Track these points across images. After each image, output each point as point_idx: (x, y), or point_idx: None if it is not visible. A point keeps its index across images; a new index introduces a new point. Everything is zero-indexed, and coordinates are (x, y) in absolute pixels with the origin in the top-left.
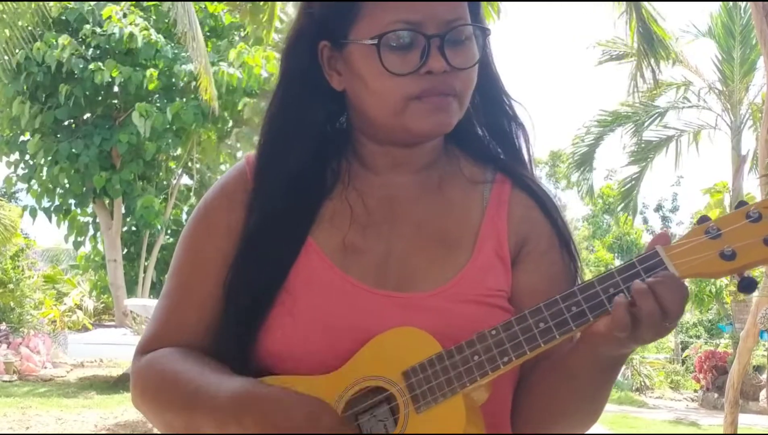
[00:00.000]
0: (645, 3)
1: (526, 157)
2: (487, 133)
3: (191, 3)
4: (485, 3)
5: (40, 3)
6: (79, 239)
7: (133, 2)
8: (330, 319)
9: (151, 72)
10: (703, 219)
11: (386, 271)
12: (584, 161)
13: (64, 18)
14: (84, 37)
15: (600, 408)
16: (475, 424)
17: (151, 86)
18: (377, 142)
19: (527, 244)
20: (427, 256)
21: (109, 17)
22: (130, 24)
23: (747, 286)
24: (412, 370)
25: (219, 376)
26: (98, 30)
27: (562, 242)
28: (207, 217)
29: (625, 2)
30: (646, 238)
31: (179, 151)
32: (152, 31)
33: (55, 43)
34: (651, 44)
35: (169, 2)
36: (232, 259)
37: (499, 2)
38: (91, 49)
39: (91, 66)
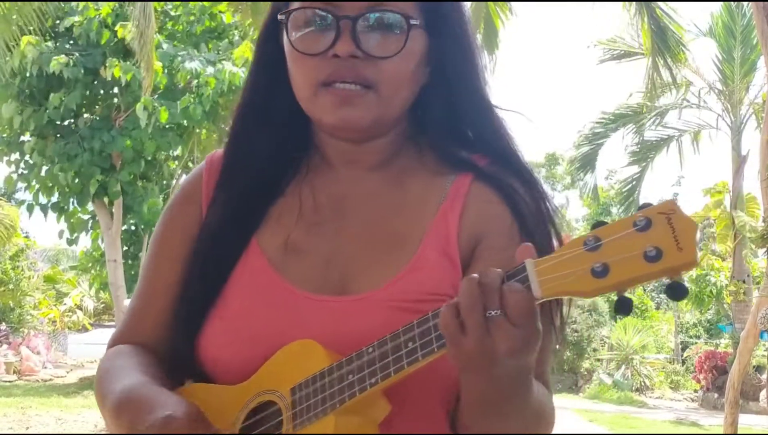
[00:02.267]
0: (654, 2)
1: (512, 149)
2: (471, 131)
3: (150, 3)
4: (493, 3)
5: (40, 4)
6: (74, 236)
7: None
8: (255, 325)
9: (157, 68)
10: (597, 225)
11: (327, 273)
12: (587, 162)
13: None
14: (69, 34)
15: (531, 424)
16: None
17: (162, 82)
18: (325, 133)
19: (483, 240)
20: (370, 256)
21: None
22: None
23: (620, 307)
24: (299, 385)
25: (126, 375)
26: (76, 20)
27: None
28: (166, 218)
29: (630, 2)
30: None
31: (179, 151)
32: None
33: (25, 44)
34: (665, 42)
35: (130, 1)
36: (183, 260)
37: (507, 2)
38: (77, 47)
39: (58, 58)
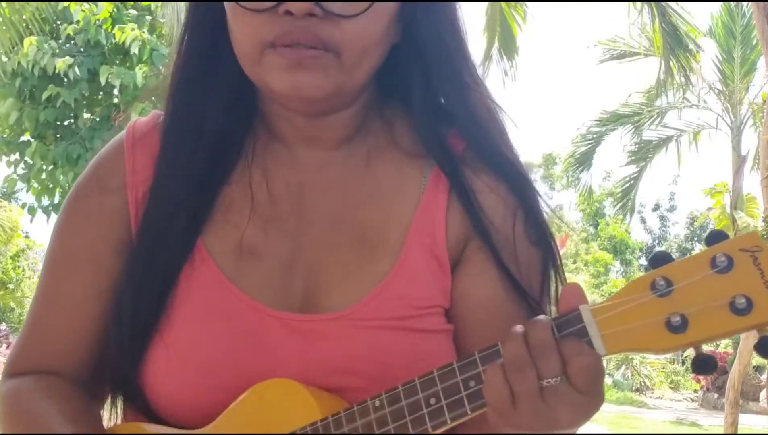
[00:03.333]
0: (666, 3)
1: (500, 133)
2: (448, 102)
3: (181, 3)
4: (507, 5)
5: (40, 4)
6: None
7: (121, 2)
8: (207, 350)
9: (144, 69)
10: (656, 260)
11: (289, 283)
12: (583, 161)
13: (41, 17)
14: (69, 35)
15: None
16: None
17: (149, 82)
18: (276, 105)
19: (473, 239)
20: (341, 261)
21: (79, 10)
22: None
23: (702, 367)
24: None
25: (62, 424)
26: (75, 25)
27: (530, 240)
28: (75, 207)
29: (638, 2)
30: (635, 237)
31: None
32: (145, 31)
33: (28, 45)
34: (679, 43)
35: (158, 2)
36: (104, 257)
37: (521, 2)
38: (75, 48)
39: (62, 60)
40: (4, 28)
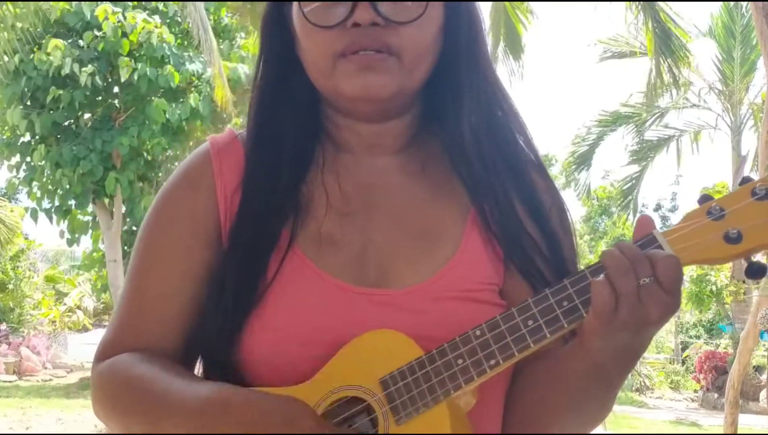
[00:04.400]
0: (661, 3)
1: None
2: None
3: (201, 3)
4: (510, 5)
5: (40, 4)
6: (75, 236)
7: (138, 2)
8: (301, 321)
9: (169, 68)
10: (705, 198)
11: (364, 266)
12: (583, 161)
13: (64, 21)
14: (87, 42)
15: (599, 417)
16: (462, 432)
17: (176, 80)
18: (343, 117)
19: None
20: (408, 249)
21: (106, 18)
22: (134, 21)
23: (756, 271)
24: (391, 377)
25: (187, 381)
26: (98, 33)
27: (563, 227)
28: (167, 207)
29: (634, 2)
30: None
31: (179, 151)
32: (165, 29)
33: (52, 48)
34: (668, 45)
35: (179, 2)
36: (196, 249)
37: (526, 1)
38: (89, 52)
39: (85, 69)
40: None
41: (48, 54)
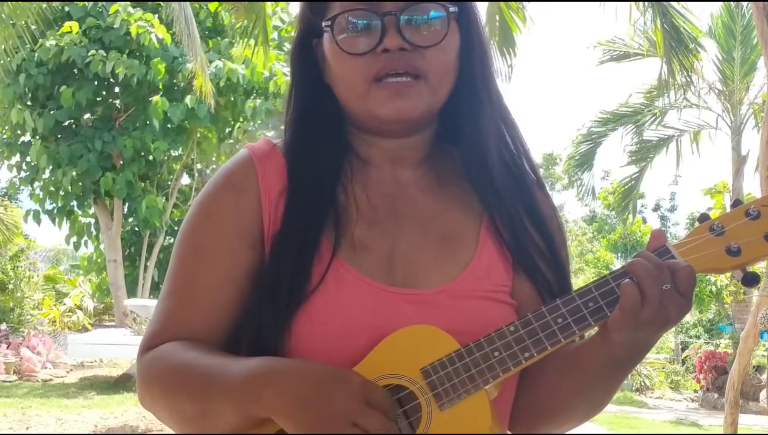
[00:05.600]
0: (665, 3)
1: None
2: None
3: (187, 2)
4: (506, 4)
5: (41, 3)
6: (81, 240)
7: (133, 1)
8: (344, 318)
9: (157, 63)
10: (704, 217)
11: (393, 268)
12: (584, 162)
13: (68, 11)
14: (87, 30)
15: (602, 405)
16: (496, 421)
17: (158, 77)
18: (368, 134)
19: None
20: (431, 253)
21: (117, 12)
22: (138, 20)
23: (751, 280)
24: (432, 367)
25: (232, 359)
26: (102, 24)
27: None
28: (211, 208)
29: (642, 2)
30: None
31: (180, 151)
32: (163, 27)
33: (62, 35)
34: (681, 42)
35: (165, 0)
36: (239, 249)
37: (520, 1)
38: (95, 43)
39: (91, 52)
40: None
41: (61, 35)
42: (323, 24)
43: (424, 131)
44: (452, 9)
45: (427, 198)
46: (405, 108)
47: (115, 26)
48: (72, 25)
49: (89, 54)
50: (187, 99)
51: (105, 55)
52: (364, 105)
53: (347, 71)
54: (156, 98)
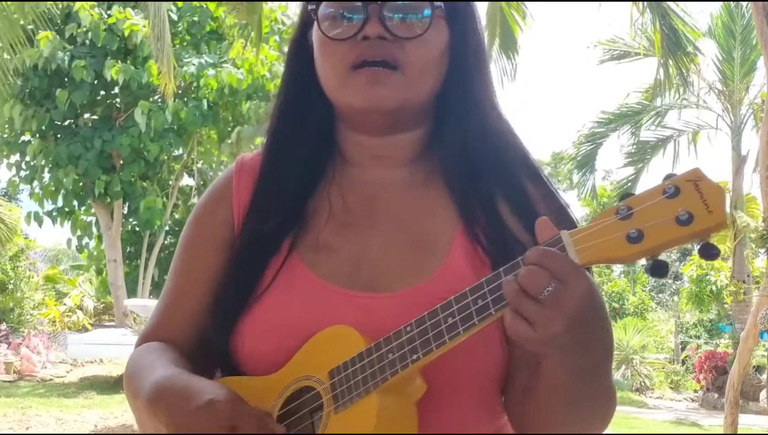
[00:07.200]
0: (665, 3)
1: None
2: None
3: (163, 3)
4: (506, 4)
5: (40, 3)
6: (83, 242)
7: (123, 2)
8: (286, 318)
9: (151, 65)
10: (623, 197)
11: (359, 271)
12: (586, 162)
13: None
14: (73, 36)
15: (600, 409)
16: (396, 422)
17: (152, 79)
18: (353, 131)
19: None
20: (401, 257)
21: (89, 14)
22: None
23: (656, 270)
24: (336, 368)
25: (159, 367)
26: (85, 27)
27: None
28: (195, 220)
29: (640, 2)
30: None
31: (180, 151)
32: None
33: (41, 38)
34: (678, 43)
35: (142, 1)
36: (211, 257)
37: (520, 1)
38: (83, 48)
39: (77, 62)
40: (8, 25)
41: (38, 47)
42: (309, 9)
43: (411, 131)
44: (438, 5)
45: (407, 201)
46: (378, 97)
47: (98, 29)
48: (48, 35)
49: (74, 63)
50: (176, 101)
51: (94, 59)
52: (341, 94)
53: (327, 57)
54: (141, 103)
